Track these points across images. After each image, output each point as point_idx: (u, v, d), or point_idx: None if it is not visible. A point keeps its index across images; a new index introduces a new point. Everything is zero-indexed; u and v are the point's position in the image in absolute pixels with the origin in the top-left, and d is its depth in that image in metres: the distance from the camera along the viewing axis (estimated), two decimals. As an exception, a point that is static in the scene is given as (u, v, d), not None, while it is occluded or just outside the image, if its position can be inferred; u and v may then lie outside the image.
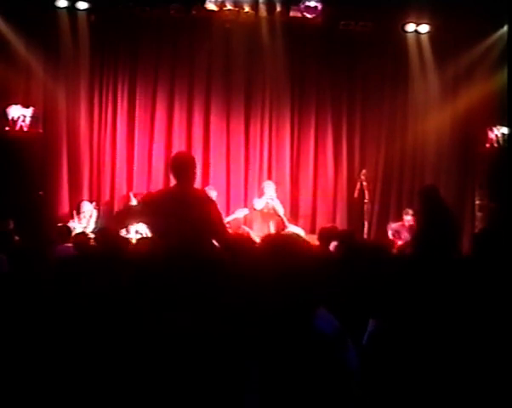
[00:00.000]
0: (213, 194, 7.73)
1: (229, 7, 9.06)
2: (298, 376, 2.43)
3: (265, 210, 8.84)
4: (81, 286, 3.53)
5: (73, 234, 8.29)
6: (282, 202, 8.97)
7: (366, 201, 8.62)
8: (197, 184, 6.02)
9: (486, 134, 9.35)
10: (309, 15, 9.05)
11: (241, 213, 8.91)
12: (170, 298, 3.07)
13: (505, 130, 9.12)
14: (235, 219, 8.76)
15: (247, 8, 9.14)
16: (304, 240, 2.75)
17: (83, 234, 7.07)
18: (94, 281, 3.60)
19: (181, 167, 4.68)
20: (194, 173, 4.72)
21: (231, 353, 2.77)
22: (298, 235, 6.09)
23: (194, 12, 9.11)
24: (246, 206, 9.20)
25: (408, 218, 8.48)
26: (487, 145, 9.37)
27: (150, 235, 8.36)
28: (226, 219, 8.37)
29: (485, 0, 8.51)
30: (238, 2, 9.09)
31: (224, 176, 9.51)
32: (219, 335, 2.83)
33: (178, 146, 9.43)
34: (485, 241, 4.15)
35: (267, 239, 2.86)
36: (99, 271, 4.01)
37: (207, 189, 8.12)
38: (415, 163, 9.80)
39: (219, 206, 5.07)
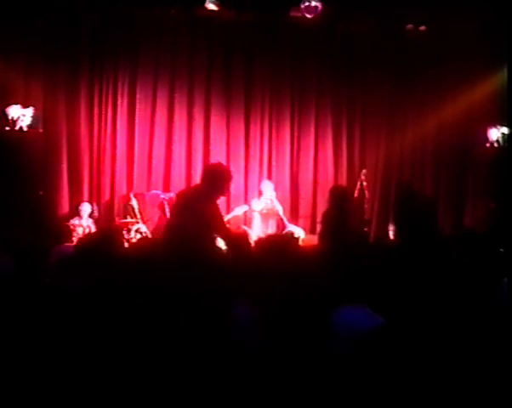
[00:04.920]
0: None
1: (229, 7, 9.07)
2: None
3: (264, 210, 8.82)
4: (80, 287, 3.52)
5: (74, 234, 8.33)
6: (282, 202, 8.97)
7: (366, 200, 8.62)
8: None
9: (486, 134, 9.35)
10: (309, 15, 9.06)
11: (240, 210, 8.87)
12: (169, 297, 3.07)
13: (505, 130, 9.12)
14: (234, 217, 8.73)
15: (247, 9, 9.15)
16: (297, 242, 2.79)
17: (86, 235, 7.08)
18: (93, 282, 3.60)
19: (204, 172, 5.55)
20: (213, 181, 5.25)
21: (231, 352, 2.76)
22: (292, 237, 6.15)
23: (194, 12, 9.12)
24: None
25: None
26: (487, 145, 9.37)
27: (150, 235, 8.42)
28: (226, 217, 8.35)
29: (485, 0, 8.50)
30: (238, 2, 9.09)
31: (224, 176, 9.48)
32: (217, 334, 2.83)
33: (178, 146, 9.43)
34: None
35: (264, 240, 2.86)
36: (98, 272, 4.01)
37: None
38: (415, 163, 9.80)
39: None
